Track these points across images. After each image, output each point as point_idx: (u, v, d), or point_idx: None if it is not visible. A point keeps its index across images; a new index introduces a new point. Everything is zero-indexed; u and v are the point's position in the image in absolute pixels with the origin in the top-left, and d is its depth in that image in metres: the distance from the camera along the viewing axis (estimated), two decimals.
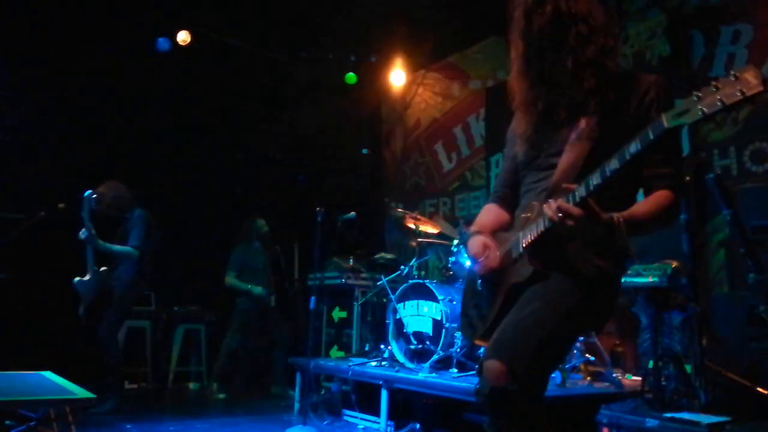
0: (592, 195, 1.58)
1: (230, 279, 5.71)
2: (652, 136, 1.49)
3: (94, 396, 2.68)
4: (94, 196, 4.49)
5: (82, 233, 4.44)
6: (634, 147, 1.52)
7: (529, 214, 1.81)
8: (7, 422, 2.83)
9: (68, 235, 5.29)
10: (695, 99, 1.42)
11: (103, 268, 4.61)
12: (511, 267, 1.84)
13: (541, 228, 1.71)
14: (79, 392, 2.71)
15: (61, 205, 4.80)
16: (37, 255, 5.33)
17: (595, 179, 1.58)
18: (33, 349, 4.89)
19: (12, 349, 4.80)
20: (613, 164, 1.55)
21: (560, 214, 1.58)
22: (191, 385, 6.16)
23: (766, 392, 2.48)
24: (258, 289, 5.60)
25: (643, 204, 1.71)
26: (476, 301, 1.96)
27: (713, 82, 1.40)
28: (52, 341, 5.19)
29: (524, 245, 1.77)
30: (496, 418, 1.60)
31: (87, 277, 4.53)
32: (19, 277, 5.08)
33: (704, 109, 1.39)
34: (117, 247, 4.63)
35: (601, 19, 1.75)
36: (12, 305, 5.08)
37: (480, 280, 1.96)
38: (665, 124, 1.46)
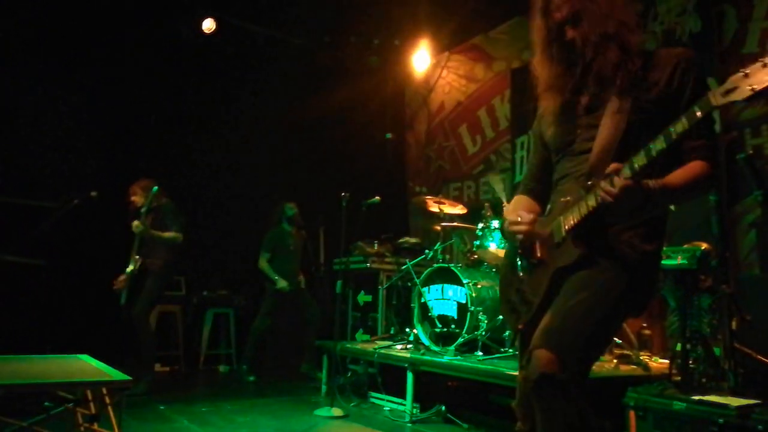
0: (638, 176, 1.58)
1: (263, 262, 5.79)
2: (700, 114, 1.45)
3: (130, 378, 2.77)
4: (156, 190, 4.77)
5: (139, 227, 4.71)
6: (680, 126, 1.49)
7: (568, 198, 1.79)
8: (46, 403, 2.94)
9: (102, 223, 5.46)
10: (742, 76, 1.37)
11: (137, 257, 4.79)
12: (554, 251, 1.82)
13: (584, 211, 1.70)
14: (116, 375, 2.79)
15: (93, 193, 4.93)
16: (71, 242, 5.49)
17: (639, 160, 1.57)
18: (70, 334, 5.06)
19: (50, 334, 4.97)
20: (659, 144, 1.53)
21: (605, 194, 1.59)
22: (221, 368, 6.29)
23: None
24: (282, 284, 5.66)
25: (679, 173, 1.68)
26: (518, 286, 1.95)
27: (760, 59, 1.36)
28: (88, 326, 5.35)
29: (567, 228, 1.76)
30: (545, 403, 1.63)
31: (131, 268, 4.78)
32: (54, 263, 5.24)
33: (754, 86, 1.35)
34: (167, 235, 4.84)
35: None
36: (49, 291, 5.24)
37: (520, 263, 1.95)
38: (714, 103, 1.42)
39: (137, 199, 4.93)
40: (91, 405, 2.84)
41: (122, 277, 4.82)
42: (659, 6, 4.92)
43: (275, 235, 5.88)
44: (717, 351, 2.81)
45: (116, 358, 3.94)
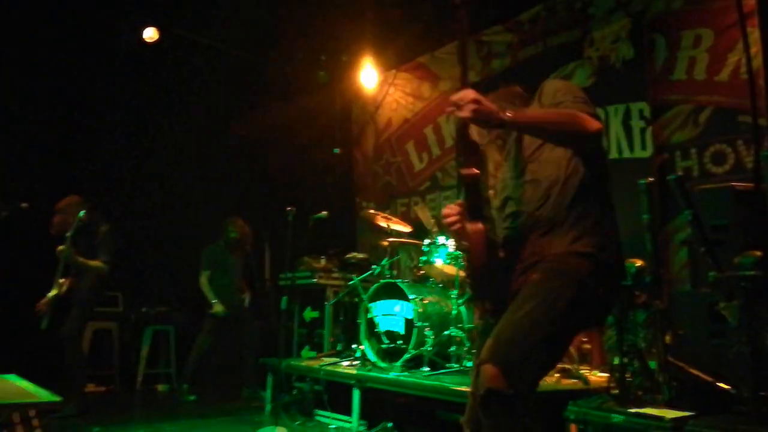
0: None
1: (203, 280, 5.66)
2: None
3: (61, 399, 2.64)
4: (83, 215, 4.58)
5: (64, 252, 4.52)
6: None
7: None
8: None
9: (32, 236, 5.20)
10: None
11: (62, 280, 4.63)
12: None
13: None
14: (45, 396, 2.66)
15: (23, 205, 4.69)
16: None
17: None
18: None
19: None
20: None
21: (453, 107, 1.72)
22: (160, 387, 6.07)
23: (727, 387, 2.57)
24: (218, 308, 5.54)
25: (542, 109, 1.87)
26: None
27: None
28: (17, 345, 5.06)
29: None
30: (489, 418, 1.64)
31: (54, 292, 4.59)
32: None
33: None
34: (92, 263, 4.67)
35: None
36: None
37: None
38: None
39: (59, 218, 4.73)
40: (19, 428, 2.68)
41: (44, 301, 4.61)
42: (595, 33, 5.16)
43: (213, 251, 5.75)
44: (652, 364, 2.92)
45: (46, 379, 3.74)
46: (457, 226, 1.90)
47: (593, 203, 1.83)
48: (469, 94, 1.70)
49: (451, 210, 1.93)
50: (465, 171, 1.75)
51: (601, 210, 1.84)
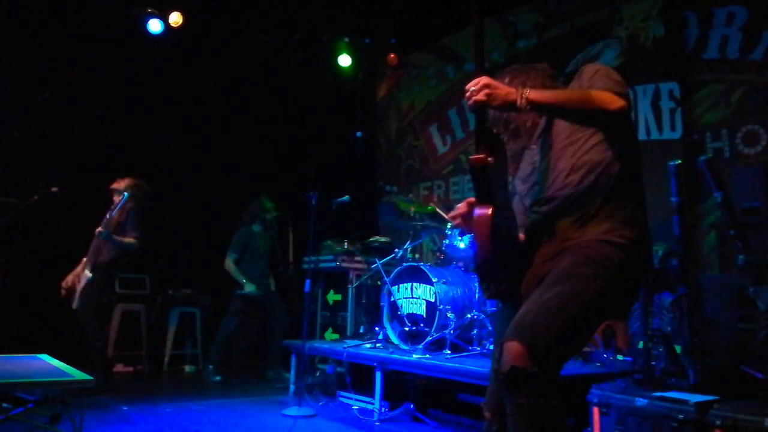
0: None
1: (229, 262, 5.71)
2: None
3: (91, 378, 2.71)
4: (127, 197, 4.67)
5: (104, 234, 4.60)
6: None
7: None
8: (4, 404, 2.85)
9: (62, 219, 5.31)
10: None
11: (85, 259, 4.72)
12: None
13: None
14: (76, 374, 2.73)
15: (54, 189, 4.80)
16: (30, 239, 5.33)
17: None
18: (29, 333, 4.91)
19: (8, 333, 4.81)
20: None
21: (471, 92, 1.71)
22: (187, 368, 6.19)
23: (752, 372, 2.52)
24: (250, 288, 5.60)
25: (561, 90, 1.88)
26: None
27: None
28: (48, 325, 5.20)
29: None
30: (513, 397, 1.63)
31: (89, 273, 4.65)
32: (13, 261, 5.08)
33: None
34: (127, 240, 4.79)
35: None
36: (7, 290, 5.08)
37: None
38: None
39: (117, 198, 4.83)
40: (52, 406, 2.77)
41: (72, 280, 4.73)
42: (624, 12, 5.03)
43: (244, 235, 5.80)
44: (678, 349, 2.88)
45: (77, 358, 3.85)
46: (458, 222, 1.91)
47: (629, 196, 1.81)
48: (482, 79, 1.72)
49: (458, 210, 1.93)
50: (474, 157, 1.73)
51: (635, 203, 1.82)
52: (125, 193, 4.64)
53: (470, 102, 1.73)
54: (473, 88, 1.72)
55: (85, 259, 4.74)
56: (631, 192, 1.83)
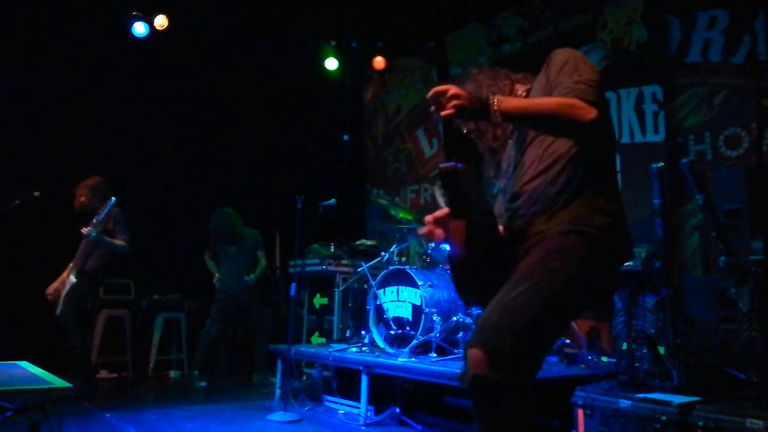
0: None
1: (206, 258, 5.89)
2: None
3: (72, 386, 2.67)
4: (115, 202, 4.59)
5: (93, 234, 4.52)
6: None
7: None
8: None
9: (42, 225, 5.25)
10: None
11: (71, 264, 4.68)
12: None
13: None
14: (56, 382, 2.69)
15: (36, 193, 4.74)
16: (10, 245, 5.26)
17: None
18: (9, 340, 4.83)
19: None
20: None
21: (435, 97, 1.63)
22: (172, 374, 6.14)
23: (735, 373, 2.54)
24: (216, 279, 5.74)
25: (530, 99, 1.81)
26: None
27: None
28: (28, 331, 5.13)
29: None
30: (478, 405, 1.56)
31: (73, 278, 4.61)
32: None
33: None
34: (117, 242, 4.75)
35: None
36: None
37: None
38: None
39: (87, 197, 4.79)
40: (32, 414, 2.73)
41: (56, 286, 4.67)
42: (607, 16, 5.07)
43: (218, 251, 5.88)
44: (661, 350, 2.89)
45: (58, 365, 3.80)
46: (426, 230, 1.85)
47: (599, 187, 1.74)
48: (450, 89, 1.61)
49: (427, 228, 1.86)
50: (443, 166, 1.66)
51: (606, 195, 1.75)
52: (112, 198, 4.55)
53: (438, 115, 1.63)
54: (441, 98, 1.62)
55: (71, 264, 4.67)
56: (602, 183, 1.75)
